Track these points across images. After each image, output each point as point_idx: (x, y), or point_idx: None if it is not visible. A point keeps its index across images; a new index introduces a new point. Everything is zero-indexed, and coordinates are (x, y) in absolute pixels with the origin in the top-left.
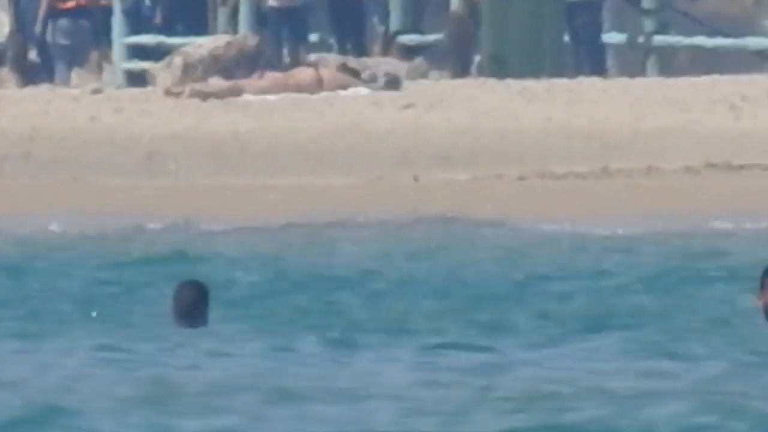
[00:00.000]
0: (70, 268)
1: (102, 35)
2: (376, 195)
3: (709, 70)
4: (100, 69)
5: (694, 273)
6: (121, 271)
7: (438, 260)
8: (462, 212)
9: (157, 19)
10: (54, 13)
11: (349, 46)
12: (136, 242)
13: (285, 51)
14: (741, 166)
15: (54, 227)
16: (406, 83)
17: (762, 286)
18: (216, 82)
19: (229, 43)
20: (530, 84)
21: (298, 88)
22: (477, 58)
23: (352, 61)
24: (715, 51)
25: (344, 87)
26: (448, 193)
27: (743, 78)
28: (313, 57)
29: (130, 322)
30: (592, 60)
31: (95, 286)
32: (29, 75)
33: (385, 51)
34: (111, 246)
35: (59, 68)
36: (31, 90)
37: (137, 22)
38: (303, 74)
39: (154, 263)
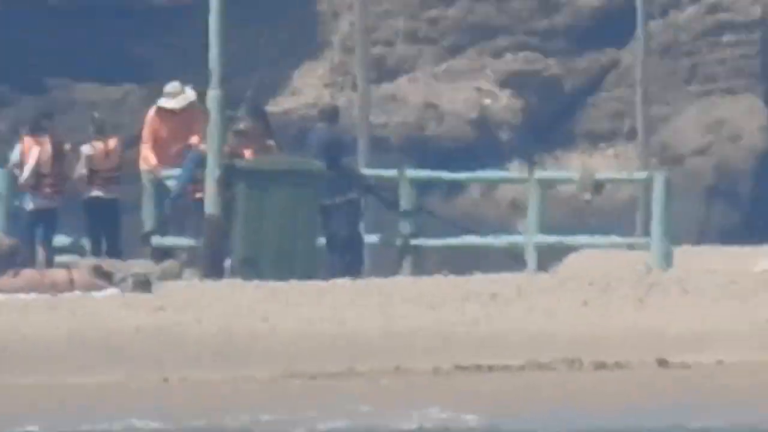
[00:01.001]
0: None
1: None
2: (125, 395)
3: (462, 270)
4: None
5: None
6: None
7: None
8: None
9: None
10: None
11: (102, 248)
12: None
13: (39, 251)
14: (489, 367)
15: None
16: (158, 284)
17: None
18: None
19: None
20: (281, 285)
21: (53, 288)
22: (229, 261)
23: (106, 264)
24: (468, 250)
25: (97, 288)
26: (200, 394)
27: (494, 276)
28: (66, 258)
29: None
30: (347, 261)
31: None
32: None
33: (139, 252)
34: None
35: None
36: None
37: None
38: (56, 274)
39: None
